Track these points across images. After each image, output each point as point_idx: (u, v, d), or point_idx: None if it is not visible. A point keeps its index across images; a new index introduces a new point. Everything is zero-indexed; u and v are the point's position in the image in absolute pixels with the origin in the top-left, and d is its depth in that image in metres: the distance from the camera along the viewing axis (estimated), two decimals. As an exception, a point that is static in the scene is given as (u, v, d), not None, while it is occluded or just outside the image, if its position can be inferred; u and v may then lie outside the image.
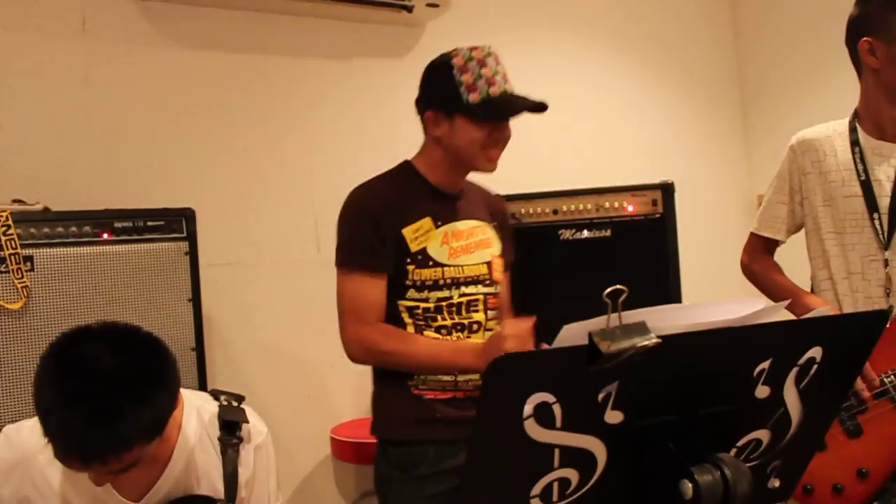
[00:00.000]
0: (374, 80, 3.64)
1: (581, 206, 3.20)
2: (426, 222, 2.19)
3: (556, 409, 1.05)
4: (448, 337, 2.18)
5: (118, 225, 2.56)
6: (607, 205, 3.23)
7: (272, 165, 3.40)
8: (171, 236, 2.63)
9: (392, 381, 2.22)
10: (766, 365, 1.15)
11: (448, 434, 2.12)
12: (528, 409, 1.03)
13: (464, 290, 2.20)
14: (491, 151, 2.19)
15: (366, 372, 3.38)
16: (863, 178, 2.22)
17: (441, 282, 2.18)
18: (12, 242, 2.39)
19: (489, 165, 2.22)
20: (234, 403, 1.89)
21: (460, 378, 2.17)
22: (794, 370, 1.19)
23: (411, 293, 2.18)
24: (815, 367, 1.20)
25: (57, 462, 1.67)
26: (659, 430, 1.14)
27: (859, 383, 2.08)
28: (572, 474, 1.11)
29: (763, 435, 1.25)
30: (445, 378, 2.17)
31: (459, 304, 2.20)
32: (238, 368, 3.27)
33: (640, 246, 3.24)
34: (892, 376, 2.09)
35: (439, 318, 2.19)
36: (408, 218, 2.18)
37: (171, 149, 3.20)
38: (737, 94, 4.76)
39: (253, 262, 3.34)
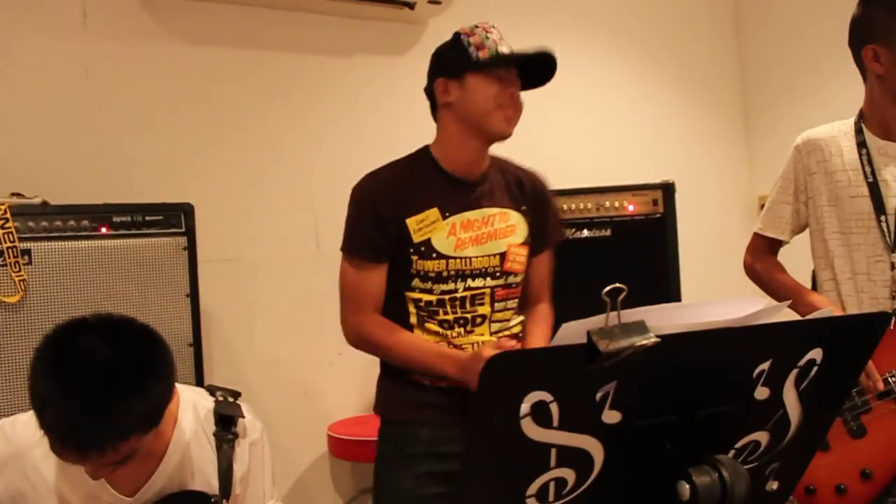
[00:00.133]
0: (375, 78, 3.63)
1: (581, 206, 3.19)
2: (432, 213, 2.16)
3: (554, 408, 1.04)
4: (450, 331, 2.17)
5: (116, 219, 2.55)
6: (608, 204, 3.23)
7: (272, 161, 3.40)
8: (169, 231, 2.62)
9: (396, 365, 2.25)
10: (765, 366, 1.15)
11: (443, 419, 2.12)
12: (524, 407, 1.02)
13: (469, 283, 2.18)
14: (507, 111, 2.15)
15: (364, 369, 3.40)
16: (870, 179, 2.21)
17: (445, 274, 2.16)
18: (10, 236, 2.38)
19: (506, 126, 2.17)
20: (231, 399, 1.88)
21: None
22: (794, 372, 1.18)
23: (416, 283, 2.17)
24: (816, 368, 1.19)
25: (51, 456, 1.66)
26: (657, 431, 1.13)
27: (865, 381, 2.07)
28: (569, 474, 1.11)
29: (762, 437, 1.24)
30: None
31: (464, 297, 2.18)
32: (236, 364, 3.26)
33: (640, 246, 3.24)
34: None
35: (441, 311, 2.18)
36: (413, 207, 2.16)
37: (171, 144, 3.19)
38: (738, 93, 4.75)
39: (252, 258, 3.33)
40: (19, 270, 2.38)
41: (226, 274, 3.24)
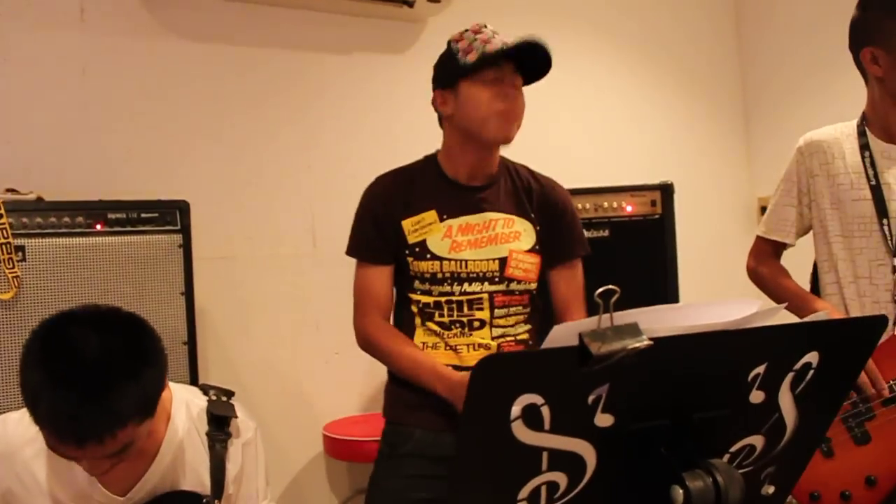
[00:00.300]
0: (374, 76, 3.62)
1: (579, 206, 3.15)
2: (429, 215, 2.18)
3: (545, 411, 1.03)
4: (446, 331, 2.18)
5: (112, 216, 2.54)
6: (606, 205, 3.21)
7: (269, 159, 3.39)
8: (165, 229, 2.61)
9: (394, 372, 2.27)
10: (761, 369, 1.13)
11: (437, 422, 2.12)
12: (515, 410, 1.01)
13: (466, 286, 2.17)
14: (502, 115, 2.12)
15: (360, 369, 3.39)
16: (873, 182, 2.19)
17: (439, 275, 2.17)
18: (4, 232, 2.37)
19: (502, 133, 2.15)
20: (224, 398, 1.87)
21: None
22: (790, 375, 1.17)
23: (417, 284, 2.20)
24: (812, 372, 1.18)
25: (43, 455, 1.67)
26: (650, 435, 1.12)
27: (869, 389, 2.05)
28: (561, 478, 1.09)
29: (757, 441, 1.22)
30: None
31: (460, 301, 2.18)
32: (231, 363, 3.25)
33: (638, 247, 3.22)
34: None
35: (437, 314, 2.19)
36: (410, 209, 2.19)
37: (168, 140, 3.18)
38: (739, 95, 4.73)
39: (248, 256, 3.32)
40: (13, 267, 2.37)
41: (221, 272, 3.23)
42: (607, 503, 1.15)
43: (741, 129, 4.74)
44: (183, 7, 3.22)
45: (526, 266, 2.23)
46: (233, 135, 3.31)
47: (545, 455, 1.07)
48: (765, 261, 2.44)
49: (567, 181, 3.03)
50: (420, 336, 2.22)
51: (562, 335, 1.01)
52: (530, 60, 2.16)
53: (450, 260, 2.17)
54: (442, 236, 2.18)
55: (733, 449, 1.21)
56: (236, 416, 1.83)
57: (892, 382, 2.07)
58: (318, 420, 3.37)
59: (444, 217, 2.19)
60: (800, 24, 4.25)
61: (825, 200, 2.27)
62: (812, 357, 1.16)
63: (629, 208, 3.23)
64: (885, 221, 2.17)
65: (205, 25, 3.26)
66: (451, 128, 2.23)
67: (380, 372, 2.34)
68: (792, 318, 1.33)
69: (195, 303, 2.68)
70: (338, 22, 3.53)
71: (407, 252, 2.18)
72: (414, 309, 2.22)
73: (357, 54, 3.59)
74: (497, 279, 2.19)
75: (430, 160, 2.29)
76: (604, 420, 1.08)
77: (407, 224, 2.18)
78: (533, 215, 2.27)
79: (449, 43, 2.20)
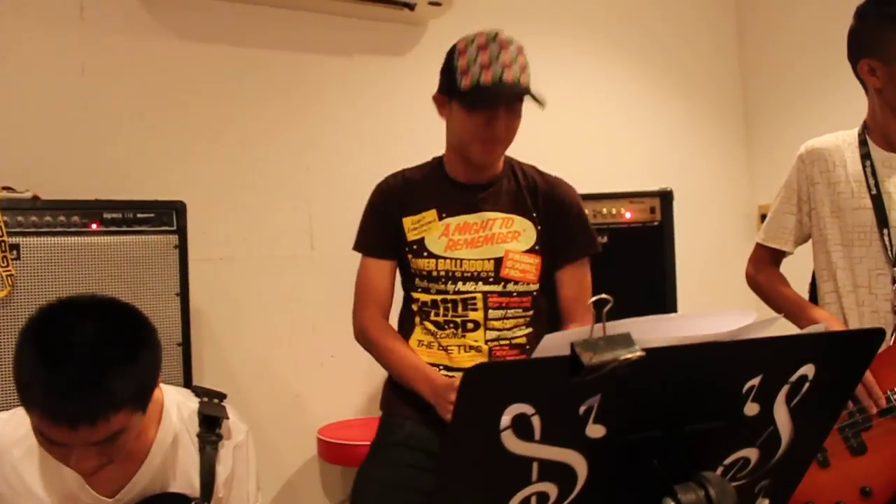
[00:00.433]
0: (375, 78, 3.61)
1: (579, 212, 3.16)
2: (430, 214, 2.22)
3: (535, 420, 1.01)
4: (440, 331, 2.20)
5: (107, 216, 2.52)
6: (605, 211, 3.21)
7: (268, 161, 3.37)
8: (160, 229, 2.60)
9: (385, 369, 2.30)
10: (755, 381, 1.12)
11: (428, 416, 2.10)
12: (505, 420, 1.00)
13: (460, 286, 2.18)
14: (486, 144, 2.15)
15: (355, 372, 3.38)
16: (874, 191, 2.19)
17: (435, 273, 2.20)
18: (-1, 230, 2.36)
19: (483, 158, 2.19)
20: (216, 401, 1.86)
21: (457, 376, 2.16)
22: (785, 388, 1.15)
23: (417, 282, 2.24)
24: (807, 385, 1.16)
25: (30, 457, 1.66)
26: (642, 446, 1.10)
27: (866, 399, 2.05)
28: (551, 489, 1.08)
29: (751, 454, 1.21)
30: (444, 373, 2.17)
31: (455, 301, 2.19)
32: (226, 364, 3.24)
33: (637, 254, 3.22)
34: None
35: (433, 313, 2.22)
36: (412, 208, 2.24)
37: (166, 141, 3.17)
38: (739, 101, 4.72)
39: (245, 257, 3.31)
40: (7, 265, 2.36)
41: (218, 273, 3.22)
42: (598, 515, 1.13)
43: (742, 135, 4.72)
44: (183, 7, 3.21)
45: (523, 267, 2.21)
46: (231, 136, 3.30)
47: (535, 466, 1.05)
48: (763, 268, 2.43)
49: (565, 187, 3.03)
50: (417, 334, 2.25)
51: (553, 344, 1.00)
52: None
53: (445, 258, 2.19)
54: (439, 234, 2.20)
55: (727, 462, 1.20)
56: (227, 418, 1.82)
57: (888, 393, 2.06)
58: (313, 423, 3.35)
59: (444, 216, 2.22)
60: (801, 30, 4.24)
61: (825, 208, 2.27)
62: (808, 370, 1.15)
63: (628, 215, 3.22)
64: (885, 231, 2.16)
65: (204, 26, 3.25)
66: (447, 131, 2.27)
67: (375, 376, 2.34)
68: (789, 329, 1.32)
69: (191, 304, 2.66)
70: (338, 24, 3.51)
71: (406, 249, 2.23)
72: (414, 307, 2.26)
73: (357, 56, 3.57)
74: (492, 279, 2.19)
75: (438, 160, 2.34)
76: (595, 431, 1.06)
77: (407, 222, 2.23)
78: (535, 214, 2.26)
79: (454, 50, 2.18)
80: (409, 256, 2.22)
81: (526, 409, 1.00)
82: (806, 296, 2.39)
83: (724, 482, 1.08)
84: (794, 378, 1.15)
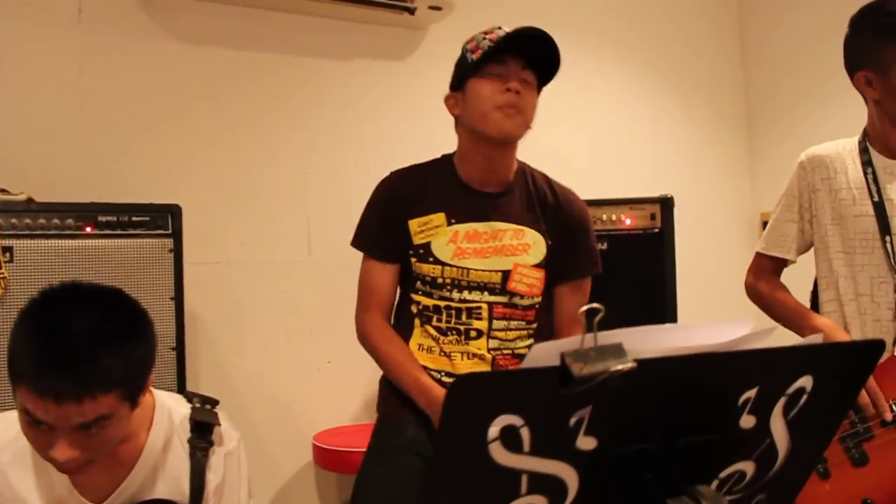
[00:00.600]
0: (375, 83, 3.60)
1: (577, 218, 3.15)
2: (437, 217, 2.16)
3: (524, 432, 0.99)
4: (443, 337, 2.16)
5: (102, 219, 2.51)
6: (604, 217, 3.19)
7: (266, 164, 3.36)
8: (155, 232, 2.58)
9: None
10: (751, 393, 1.09)
11: (429, 420, 2.09)
12: (493, 431, 0.97)
13: (466, 294, 2.15)
14: (506, 109, 2.08)
15: (352, 378, 3.37)
16: (876, 199, 2.17)
17: (440, 280, 2.15)
18: (-8, 232, 2.36)
19: (506, 125, 2.10)
20: (208, 407, 1.84)
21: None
22: (782, 400, 1.13)
23: (418, 285, 2.19)
24: (805, 397, 1.14)
25: (18, 461, 1.64)
26: (635, 459, 1.08)
27: (870, 409, 2.03)
28: (541, 501, 1.05)
29: (747, 467, 1.18)
30: (446, 379, 2.15)
31: (459, 309, 2.15)
32: (222, 369, 3.22)
33: (636, 261, 3.20)
34: None
35: (435, 318, 2.17)
36: (419, 209, 2.17)
37: (164, 143, 3.16)
38: (742, 107, 4.70)
39: (242, 261, 3.30)
40: (0, 268, 2.34)
41: (215, 277, 3.21)
42: (589, 529, 1.11)
43: (744, 141, 4.71)
44: (181, 10, 3.20)
45: (530, 281, 2.19)
46: (229, 139, 3.29)
47: (524, 478, 1.03)
48: (764, 277, 2.41)
49: (565, 193, 3.02)
50: (417, 337, 2.20)
51: (543, 354, 0.98)
52: (537, 55, 2.15)
53: (452, 266, 2.15)
54: (447, 241, 2.15)
55: (722, 475, 1.17)
56: (219, 425, 1.80)
57: (891, 402, 2.04)
58: (309, 429, 3.34)
59: (452, 221, 2.17)
60: (805, 34, 4.22)
61: (826, 216, 2.25)
62: (806, 381, 1.12)
63: (628, 221, 3.21)
64: (888, 238, 2.15)
65: (203, 29, 3.25)
66: (461, 130, 2.23)
67: (372, 382, 2.32)
68: (787, 339, 1.30)
69: (187, 308, 2.65)
70: (338, 28, 3.51)
71: (411, 252, 2.18)
72: (414, 309, 2.21)
73: (357, 60, 3.56)
74: (498, 290, 2.16)
75: (446, 160, 2.27)
76: (586, 443, 1.04)
77: (414, 224, 2.17)
78: (546, 228, 2.23)
79: (464, 46, 2.20)
80: (413, 260, 2.17)
81: (514, 420, 0.98)
82: (807, 304, 2.37)
83: (719, 496, 1.06)
84: (791, 390, 1.12)
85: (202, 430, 1.77)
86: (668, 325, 1.02)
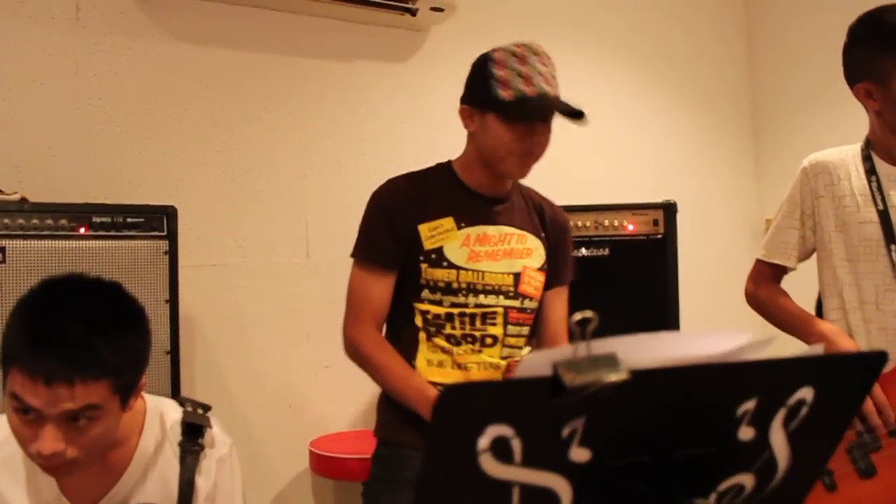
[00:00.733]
0: (375, 84, 3.59)
1: (579, 223, 3.14)
2: (447, 221, 2.12)
3: (516, 443, 0.96)
4: (456, 347, 2.11)
5: (96, 220, 2.49)
6: (606, 223, 3.18)
7: (264, 166, 3.34)
8: (150, 234, 2.56)
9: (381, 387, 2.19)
10: (750, 405, 1.06)
11: None
12: (483, 442, 0.94)
13: (482, 299, 2.11)
14: (522, 157, 2.10)
15: (350, 383, 3.33)
16: (880, 206, 2.15)
17: (455, 285, 2.10)
18: (-16, 233, 2.34)
19: (517, 171, 2.15)
20: (199, 411, 1.81)
21: None
22: (782, 411, 1.10)
23: (426, 294, 2.12)
24: (806, 409, 1.11)
25: (6, 467, 1.61)
26: (630, 471, 1.05)
27: (876, 420, 2.00)
28: (533, 514, 1.03)
29: (746, 480, 1.16)
30: None
31: (473, 314, 2.11)
32: (219, 373, 3.20)
33: (639, 267, 3.19)
34: None
35: (448, 326, 2.11)
36: (427, 214, 2.13)
37: (161, 144, 3.14)
38: (748, 112, 4.68)
39: (239, 264, 3.28)
40: (-8, 269, 2.33)
41: (211, 280, 3.19)
42: (582, 543, 1.08)
43: (750, 147, 4.69)
44: (180, 9, 3.18)
45: (536, 284, 2.20)
46: (228, 140, 3.27)
47: (516, 490, 1.00)
48: (764, 284, 2.39)
49: (567, 198, 3.00)
50: (424, 353, 2.13)
51: (535, 364, 0.95)
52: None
53: (467, 270, 2.11)
54: (460, 244, 2.12)
55: (721, 488, 1.14)
56: (210, 428, 1.77)
57: None
58: (306, 435, 3.31)
59: (462, 225, 2.13)
60: (812, 38, 4.20)
61: (830, 223, 2.23)
62: (806, 393, 1.10)
63: (630, 227, 3.20)
64: (892, 246, 2.12)
65: (202, 28, 3.23)
66: (471, 144, 2.20)
67: (370, 387, 2.28)
68: (788, 347, 1.27)
69: (183, 311, 2.64)
70: (338, 28, 3.49)
71: (422, 258, 2.11)
72: (419, 322, 2.13)
73: (358, 62, 3.55)
74: (512, 294, 2.15)
75: (444, 167, 2.25)
76: (580, 454, 1.01)
77: (424, 229, 2.12)
78: (543, 235, 2.25)
79: (489, 60, 2.12)
80: (424, 266, 2.11)
81: (506, 430, 0.95)
82: (813, 311, 2.34)
83: (717, 511, 1.03)
84: (791, 402, 1.10)
85: (193, 434, 1.75)
86: (663, 334, 0.99)
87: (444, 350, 2.11)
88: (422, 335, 2.13)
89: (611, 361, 0.92)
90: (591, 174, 4.02)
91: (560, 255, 2.29)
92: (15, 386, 1.42)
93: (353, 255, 2.20)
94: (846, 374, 1.15)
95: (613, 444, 1.03)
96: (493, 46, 2.16)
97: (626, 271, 3.14)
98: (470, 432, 0.94)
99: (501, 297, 2.13)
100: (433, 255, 2.11)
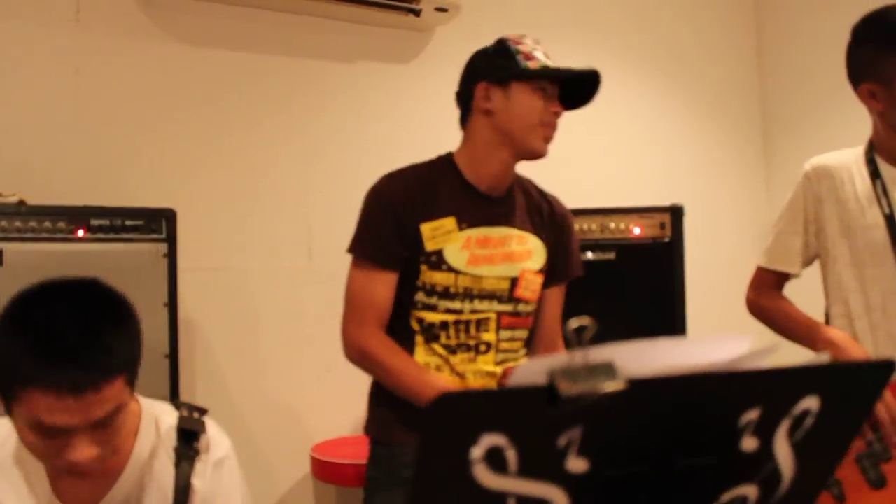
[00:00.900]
0: (379, 85, 3.58)
1: (585, 227, 3.12)
2: (448, 222, 2.08)
3: (511, 453, 0.93)
4: (452, 356, 2.08)
5: (95, 222, 2.49)
6: (613, 226, 3.17)
7: (267, 169, 3.34)
8: (149, 237, 2.56)
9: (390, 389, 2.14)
10: (753, 415, 1.04)
11: None
12: (477, 452, 0.92)
13: (476, 304, 2.08)
14: (547, 129, 2.11)
15: (352, 388, 3.30)
16: (887, 210, 2.11)
17: (453, 290, 2.07)
18: (-19, 235, 2.33)
19: (543, 145, 2.13)
20: (196, 415, 1.79)
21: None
22: (787, 421, 1.07)
23: (420, 297, 2.08)
24: (811, 419, 1.08)
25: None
26: (629, 482, 1.02)
27: (888, 428, 1.96)
28: (528, 526, 1.00)
29: (750, 491, 1.13)
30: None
31: (468, 321, 2.08)
32: (219, 377, 3.19)
33: (645, 271, 3.18)
34: None
35: (444, 335, 2.08)
36: (429, 213, 2.08)
37: (162, 147, 3.13)
38: (758, 115, 4.65)
39: (240, 268, 3.27)
40: (-11, 272, 2.32)
41: (213, 283, 3.18)
42: (580, 556, 1.05)
43: (760, 151, 4.66)
44: (182, 10, 3.18)
45: (535, 287, 2.17)
46: (229, 142, 3.26)
47: (511, 502, 0.97)
48: (766, 293, 2.35)
49: (573, 200, 2.98)
50: (422, 355, 2.10)
51: (530, 371, 0.93)
52: (571, 91, 2.17)
53: (466, 274, 2.08)
54: (461, 247, 2.08)
55: (723, 499, 1.11)
56: (206, 432, 1.75)
57: None
58: (307, 440, 3.30)
59: (464, 226, 2.10)
60: (823, 39, 4.15)
61: (834, 227, 2.20)
62: (811, 402, 1.07)
63: (637, 230, 3.18)
64: None
65: (203, 30, 3.22)
66: (485, 125, 2.13)
67: (372, 391, 2.26)
68: (792, 355, 1.25)
69: (184, 314, 2.64)
70: (342, 29, 3.48)
71: (422, 259, 2.07)
72: (415, 326, 2.10)
73: (361, 63, 3.54)
74: (505, 299, 2.12)
75: (447, 161, 2.20)
76: (577, 465, 0.98)
77: (426, 228, 2.07)
78: (544, 234, 2.21)
79: (504, 41, 2.14)
80: (424, 268, 2.07)
81: (500, 440, 0.93)
82: (822, 319, 2.31)
83: (719, 523, 1.00)
84: (796, 411, 1.07)
85: (188, 439, 1.72)
86: (663, 340, 0.96)
87: (441, 357, 2.09)
88: (419, 338, 2.11)
89: (608, 370, 0.89)
90: (597, 177, 4.00)
91: (560, 252, 2.26)
92: (34, 410, 1.36)
93: (353, 251, 2.14)
94: (853, 384, 1.12)
95: (612, 455, 1.01)
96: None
97: (633, 276, 3.13)
98: (463, 442, 0.92)
99: (495, 301, 2.11)
100: (433, 258, 2.07)
